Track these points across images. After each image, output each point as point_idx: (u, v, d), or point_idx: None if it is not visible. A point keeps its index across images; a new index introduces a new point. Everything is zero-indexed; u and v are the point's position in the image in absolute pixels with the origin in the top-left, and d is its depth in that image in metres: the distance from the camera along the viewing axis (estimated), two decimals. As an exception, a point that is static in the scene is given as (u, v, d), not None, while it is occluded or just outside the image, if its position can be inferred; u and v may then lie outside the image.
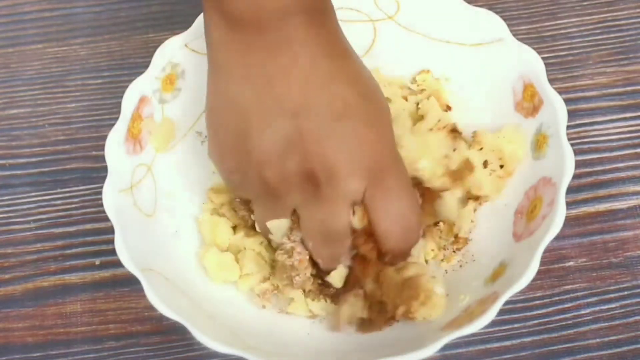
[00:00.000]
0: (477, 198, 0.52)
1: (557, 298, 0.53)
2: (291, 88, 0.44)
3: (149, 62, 0.52)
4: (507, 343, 0.52)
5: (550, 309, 0.53)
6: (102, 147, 0.50)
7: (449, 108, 0.54)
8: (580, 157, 0.56)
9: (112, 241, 0.47)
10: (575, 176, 0.47)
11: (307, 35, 0.43)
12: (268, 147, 0.44)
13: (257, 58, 0.44)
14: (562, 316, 0.52)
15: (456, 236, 0.51)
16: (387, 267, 0.48)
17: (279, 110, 0.44)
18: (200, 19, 0.53)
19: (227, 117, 0.45)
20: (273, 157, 0.44)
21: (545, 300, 0.53)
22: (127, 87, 0.51)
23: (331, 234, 0.46)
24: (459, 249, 0.51)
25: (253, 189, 0.46)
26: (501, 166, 0.52)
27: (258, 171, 0.45)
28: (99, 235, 0.56)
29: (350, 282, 0.49)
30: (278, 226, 0.48)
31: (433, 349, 0.43)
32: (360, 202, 0.45)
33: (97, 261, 0.56)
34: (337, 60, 0.45)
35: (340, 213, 0.46)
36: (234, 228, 0.53)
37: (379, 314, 0.48)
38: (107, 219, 0.48)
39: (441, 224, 0.51)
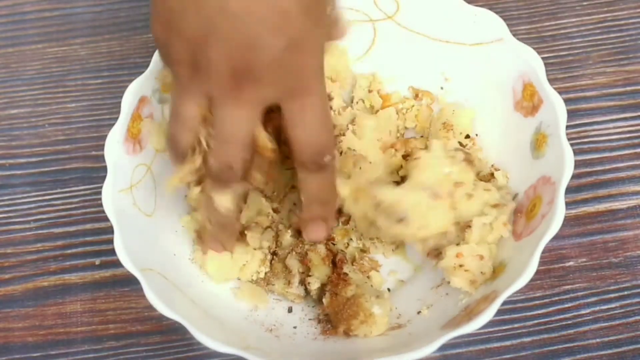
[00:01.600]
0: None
1: (557, 298, 0.53)
2: None
3: (149, 62, 0.52)
4: (507, 343, 0.52)
5: (550, 309, 0.53)
6: (102, 147, 0.50)
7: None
8: (580, 157, 0.56)
9: (112, 241, 0.47)
10: (575, 176, 0.47)
11: None
12: (200, 27, 0.43)
13: None
14: (562, 316, 0.52)
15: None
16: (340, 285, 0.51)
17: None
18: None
19: None
20: (203, 39, 0.43)
21: (545, 300, 0.53)
22: (127, 87, 0.51)
23: (232, 135, 0.45)
24: None
25: (179, 63, 0.44)
26: (467, 136, 0.53)
27: (188, 46, 0.43)
28: (99, 235, 0.56)
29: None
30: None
31: (432, 348, 0.43)
32: (270, 110, 0.45)
33: (97, 261, 0.56)
34: None
35: (248, 115, 0.45)
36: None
37: (334, 312, 0.50)
38: (107, 219, 0.48)
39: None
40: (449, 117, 0.54)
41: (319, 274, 0.51)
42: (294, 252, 0.52)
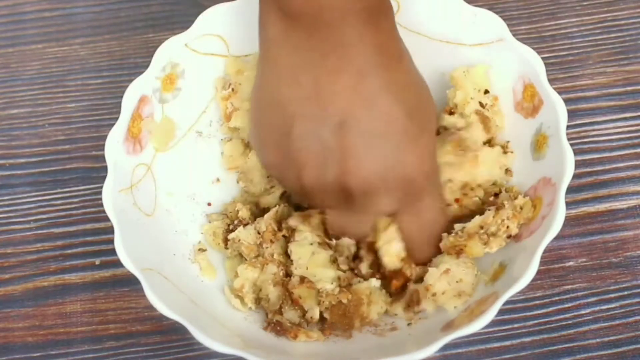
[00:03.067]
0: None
1: (557, 298, 0.53)
2: (338, 96, 0.43)
3: (149, 62, 0.52)
4: (507, 343, 0.52)
5: (550, 309, 0.53)
6: (102, 147, 0.50)
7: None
8: (580, 157, 0.56)
9: (112, 241, 0.47)
10: (575, 176, 0.47)
11: (363, 37, 0.43)
12: (308, 152, 0.45)
13: (309, 59, 0.43)
14: (562, 316, 0.52)
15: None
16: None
17: (323, 118, 0.44)
18: (200, 19, 0.53)
19: (271, 114, 0.46)
20: (312, 162, 0.45)
21: (545, 300, 0.53)
22: (127, 87, 0.51)
23: (350, 235, 0.49)
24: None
25: (290, 185, 0.48)
26: (486, 91, 0.53)
27: (296, 172, 0.46)
28: (99, 235, 0.56)
29: None
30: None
31: (433, 349, 0.43)
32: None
33: (97, 261, 0.56)
34: (389, 68, 0.44)
35: (366, 225, 0.48)
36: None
37: (339, 317, 0.49)
38: (107, 219, 0.48)
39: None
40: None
41: (313, 301, 0.50)
42: (285, 307, 0.50)
